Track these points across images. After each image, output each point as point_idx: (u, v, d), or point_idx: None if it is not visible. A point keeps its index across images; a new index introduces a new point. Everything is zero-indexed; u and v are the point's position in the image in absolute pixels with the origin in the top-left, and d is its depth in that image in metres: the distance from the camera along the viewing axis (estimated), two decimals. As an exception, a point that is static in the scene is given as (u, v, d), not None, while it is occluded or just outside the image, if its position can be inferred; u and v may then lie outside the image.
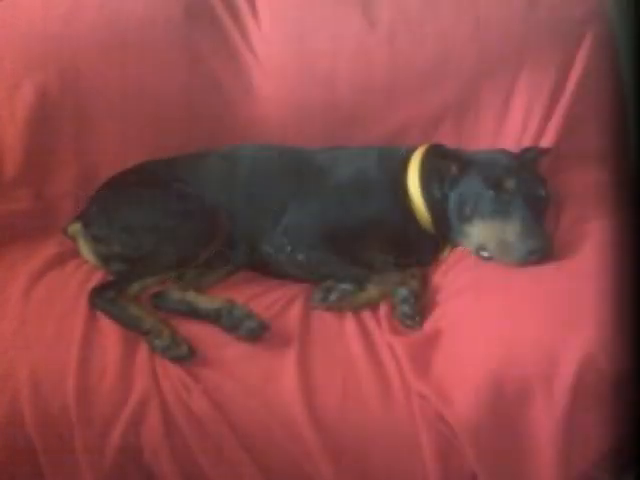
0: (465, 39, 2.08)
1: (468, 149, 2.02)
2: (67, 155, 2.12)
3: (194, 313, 1.76)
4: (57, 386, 1.60)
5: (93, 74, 2.09)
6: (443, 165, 1.90)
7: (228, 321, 1.70)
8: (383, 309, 1.79)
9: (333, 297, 1.79)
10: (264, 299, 1.84)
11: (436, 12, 2.10)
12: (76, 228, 2.00)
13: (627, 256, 1.70)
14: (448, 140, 2.04)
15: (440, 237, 1.93)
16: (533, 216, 1.77)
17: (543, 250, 1.71)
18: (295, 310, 1.79)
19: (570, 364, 1.46)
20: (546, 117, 2.05)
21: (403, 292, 1.76)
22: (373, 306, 1.81)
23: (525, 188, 1.81)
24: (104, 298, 1.76)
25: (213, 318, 1.73)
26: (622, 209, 1.90)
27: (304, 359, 1.65)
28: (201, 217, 1.91)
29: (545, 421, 1.47)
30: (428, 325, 1.72)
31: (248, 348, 1.68)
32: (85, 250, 1.98)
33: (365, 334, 1.72)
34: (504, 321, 1.59)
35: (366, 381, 1.61)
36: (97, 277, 1.90)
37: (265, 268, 1.95)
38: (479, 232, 1.81)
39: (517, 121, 2.07)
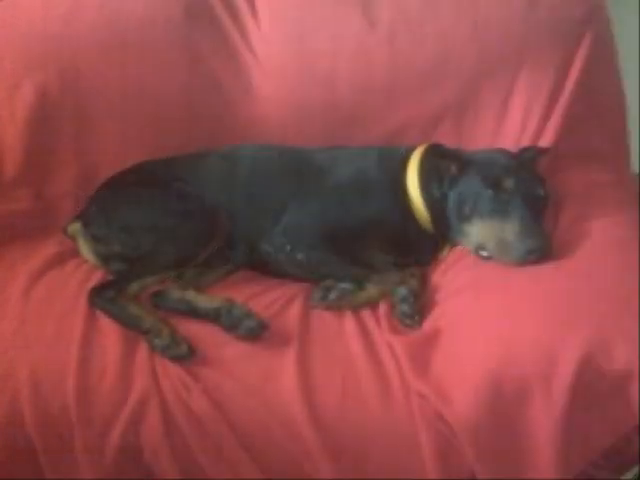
0: (465, 39, 2.08)
1: (467, 149, 2.02)
2: (67, 155, 2.12)
3: (193, 312, 1.76)
4: (57, 386, 1.60)
5: (93, 74, 2.09)
6: (442, 165, 1.90)
7: (227, 320, 1.71)
8: (382, 308, 1.79)
9: (333, 296, 1.80)
10: (263, 298, 1.84)
11: (436, 12, 2.10)
12: (76, 228, 2.00)
13: (627, 255, 1.71)
14: (447, 140, 2.04)
15: (439, 236, 1.93)
16: (532, 215, 1.77)
17: (542, 249, 1.71)
18: (294, 309, 1.79)
19: (569, 364, 1.47)
20: (545, 117, 2.05)
21: (402, 291, 1.76)
22: (372, 305, 1.81)
23: (524, 188, 1.81)
24: (104, 297, 1.76)
25: (212, 317, 1.73)
26: (621, 209, 1.90)
27: (303, 358, 1.65)
28: (201, 217, 1.91)
29: (544, 420, 1.47)
30: (427, 324, 1.72)
31: (247, 347, 1.68)
32: (85, 250, 1.98)
33: (364, 333, 1.72)
34: (503, 320, 1.59)
35: (365, 380, 1.61)
36: (97, 276, 1.90)
37: (264, 267, 1.95)
38: (478, 231, 1.81)
39: (516, 121, 2.07)
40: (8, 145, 2.10)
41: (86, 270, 1.94)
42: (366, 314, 1.79)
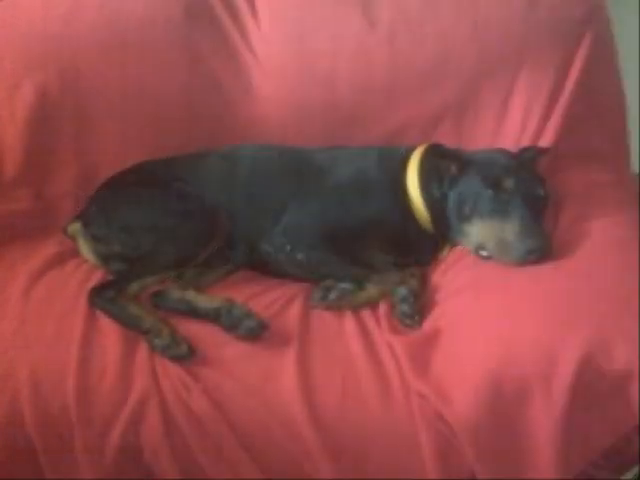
0: (465, 39, 2.08)
1: (467, 149, 2.02)
2: (67, 155, 2.12)
3: (193, 312, 1.76)
4: (57, 386, 1.60)
5: (93, 74, 2.09)
6: (442, 165, 1.90)
7: (227, 320, 1.71)
8: (382, 308, 1.79)
9: (333, 296, 1.80)
10: (263, 298, 1.84)
11: (436, 12, 2.10)
12: (76, 228, 2.00)
13: (627, 255, 1.71)
14: (447, 140, 2.04)
15: (439, 236, 1.93)
16: (532, 215, 1.77)
17: (542, 249, 1.71)
18: (294, 309, 1.79)
19: (569, 363, 1.47)
20: (545, 117, 2.05)
21: (402, 291, 1.76)
22: (372, 305, 1.81)
23: (524, 187, 1.81)
24: (104, 297, 1.76)
25: (212, 317, 1.73)
26: (621, 209, 1.90)
27: (303, 358, 1.65)
28: (201, 217, 1.91)
29: (544, 420, 1.47)
30: (427, 324, 1.72)
31: (247, 347, 1.68)
32: (85, 249, 1.98)
33: (364, 333, 1.72)
34: (503, 320, 1.59)
35: (365, 380, 1.61)
36: (97, 276, 1.90)
37: (264, 267, 1.95)
38: (478, 231, 1.81)
39: (516, 121, 2.07)
40: (8, 145, 2.10)
41: (86, 270, 1.94)
42: (366, 314, 1.79)
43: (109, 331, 1.71)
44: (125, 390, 1.60)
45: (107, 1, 2.11)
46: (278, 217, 1.94)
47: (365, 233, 1.92)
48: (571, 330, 1.51)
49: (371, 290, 1.82)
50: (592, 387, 1.48)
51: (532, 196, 1.81)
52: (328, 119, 2.13)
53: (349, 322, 1.75)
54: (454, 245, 1.92)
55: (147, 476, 1.59)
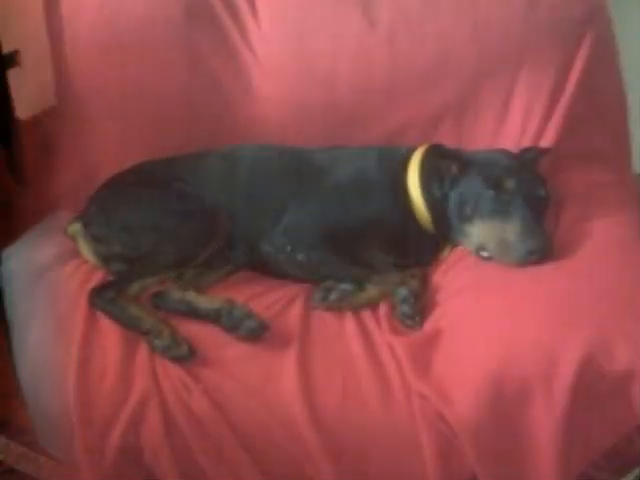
0: (465, 39, 2.07)
1: (468, 149, 2.02)
2: (67, 155, 2.12)
3: (194, 313, 1.76)
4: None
5: (93, 74, 2.09)
6: (443, 165, 1.90)
7: (228, 321, 1.70)
8: (383, 309, 1.78)
9: (333, 297, 1.79)
10: (264, 299, 1.84)
11: (436, 12, 2.10)
12: (76, 228, 1.99)
13: (629, 255, 1.71)
14: (448, 140, 2.04)
15: (440, 237, 1.93)
16: (533, 216, 1.77)
17: (543, 250, 1.71)
18: (295, 310, 1.79)
19: (570, 364, 1.47)
20: (546, 117, 2.05)
21: (403, 292, 1.76)
22: (373, 306, 1.81)
23: (525, 188, 1.81)
24: (104, 298, 1.76)
25: (213, 318, 1.73)
26: (623, 209, 1.90)
27: (304, 359, 1.65)
28: (201, 217, 1.90)
29: (545, 421, 1.48)
30: (428, 325, 1.72)
31: (248, 348, 1.68)
32: (85, 250, 1.97)
33: (365, 334, 1.72)
34: (504, 321, 1.59)
35: (366, 381, 1.61)
36: (97, 277, 1.89)
37: (265, 268, 1.94)
38: (479, 232, 1.81)
39: (517, 121, 2.07)
40: (9, 145, 2.11)
41: (86, 271, 1.93)
42: (366, 315, 1.78)
43: (109, 332, 1.71)
44: (125, 391, 1.60)
45: (107, 1, 2.11)
46: (278, 217, 1.94)
47: (365, 233, 1.92)
48: (572, 330, 1.51)
49: (371, 291, 1.82)
50: (593, 387, 1.48)
51: (533, 196, 1.81)
52: (328, 119, 2.13)
53: (349, 323, 1.75)
54: (455, 245, 1.92)
55: (147, 477, 1.60)
